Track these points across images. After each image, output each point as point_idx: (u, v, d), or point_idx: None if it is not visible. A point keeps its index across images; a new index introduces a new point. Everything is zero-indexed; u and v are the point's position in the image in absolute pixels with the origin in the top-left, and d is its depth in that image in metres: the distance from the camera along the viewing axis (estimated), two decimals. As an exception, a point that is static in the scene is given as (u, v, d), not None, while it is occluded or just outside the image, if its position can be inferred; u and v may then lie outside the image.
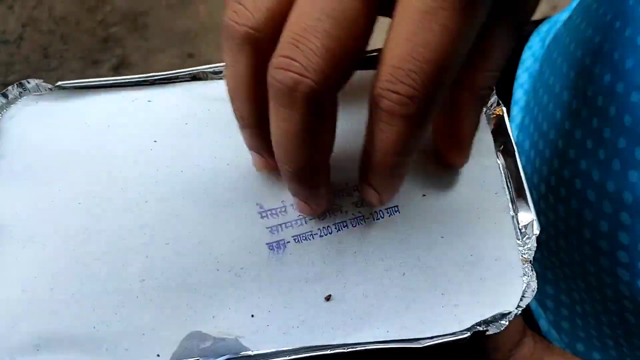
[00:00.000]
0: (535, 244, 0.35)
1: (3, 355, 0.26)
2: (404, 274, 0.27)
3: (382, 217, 0.28)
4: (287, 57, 0.20)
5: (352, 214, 0.28)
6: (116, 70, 1.33)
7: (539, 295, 0.44)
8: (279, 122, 0.21)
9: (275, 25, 0.21)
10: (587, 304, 0.41)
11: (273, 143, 0.22)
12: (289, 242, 0.27)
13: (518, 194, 0.35)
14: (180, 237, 0.27)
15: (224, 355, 0.26)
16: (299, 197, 0.26)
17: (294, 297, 0.27)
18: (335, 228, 0.28)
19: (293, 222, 0.28)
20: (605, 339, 0.41)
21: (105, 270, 0.27)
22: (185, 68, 0.32)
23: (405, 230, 0.28)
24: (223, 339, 0.26)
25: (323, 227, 0.28)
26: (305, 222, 0.28)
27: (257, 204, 0.28)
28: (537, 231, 0.34)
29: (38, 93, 0.31)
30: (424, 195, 0.29)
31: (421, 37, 0.19)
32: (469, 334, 0.32)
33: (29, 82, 0.31)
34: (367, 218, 0.28)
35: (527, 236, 0.35)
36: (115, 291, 0.26)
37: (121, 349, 0.26)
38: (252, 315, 0.26)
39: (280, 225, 0.28)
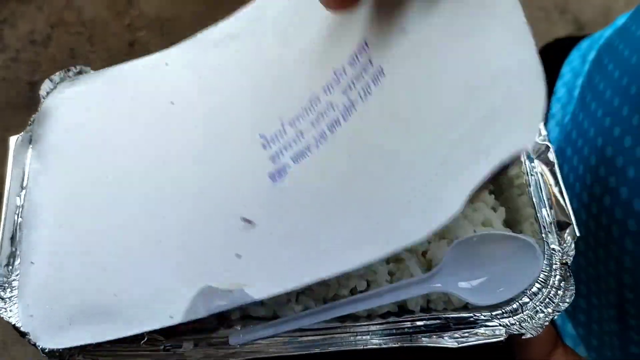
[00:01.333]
0: (574, 249, 0.35)
1: (43, 334, 0.27)
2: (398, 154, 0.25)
3: (370, 93, 0.26)
4: None
5: (343, 105, 0.27)
6: (140, 74, 1.34)
7: (571, 308, 0.44)
8: None
9: None
10: (615, 321, 0.41)
11: None
12: (289, 166, 0.27)
13: (557, 202, 0.36)
14: (192, 195, 0.28)
15: (231, 307, 0.27)
16: None
17: (297, 229, 0.27)
18: (329, 130, 0.27)
19: (291, 142, 0.27)
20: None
21: (129, 239, 0.28)
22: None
23: (394, 98, 0.25)
24: (230, 291, 0.27)
25: (317, 135, 0.27)
26: (302, 137, 0.27)
27: (260, 136, 0.28)
28: (577, 234, 0.35)
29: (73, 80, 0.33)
30: (402, 30, 0.25)
31: None
32: (505, 336, 0.33)
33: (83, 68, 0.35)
34: (356, 102, 0.26)
35: (565, 242, 0.35)
36: (137, 259, 0.28)
37: (139, 314, 0.27)
38: (259, 262, 0.27)
39: (281, 150, 0.28)
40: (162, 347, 0.34)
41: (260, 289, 0.26)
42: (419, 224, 0.23)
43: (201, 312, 0.27)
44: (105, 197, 0.29)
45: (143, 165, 0.29)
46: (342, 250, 0.26)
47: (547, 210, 0.38)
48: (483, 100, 0.22)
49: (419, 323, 0.36)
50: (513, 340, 0.34)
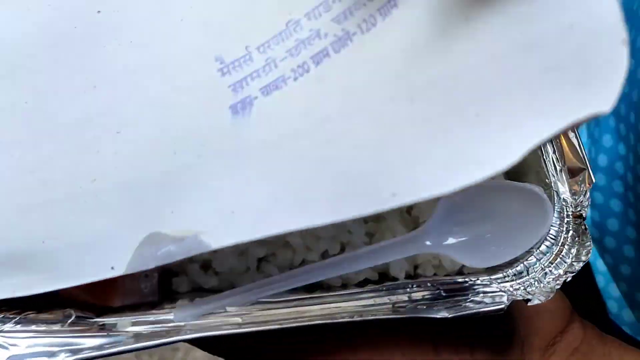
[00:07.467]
0: (589, 198, 0.31)
1: None
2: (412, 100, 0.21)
3: (374, 25, 0.22)
4: None
5: (334, 35, 0.23)
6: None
7: (613, 260, 0.42)
8: None
9: None
10: None
11: None
12: (256, 97, 0.23)
13: (569, 144, 0.32)
14: (132, 122, 0.23)
15: (184, 256, 0.22)
16: None
17: (266, 170, 0.22)
18: (313, 62, 0.23)
19: (260, 71, 0.23)
20: None
21: (55, 175, 0.23)
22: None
23: (412, 30, 0.21)
24: (182, 239, 0.22)
25: (297, 66, 0.23)
26: (275, 66, 0.23)
27: (216, 59, 0.24)
28: (593, 180, 0.31)
29: None
30: None
31: None
32: (506, 304, 0.28)
33: None
34: (354, 34, 0.22)
35: (579, 191, 0.31)
36: (65, 198, 0.23)
37: (72, 264, 0.23)
38: (216, 202, 0.22)
39: (245, 78, 0.23)
40: (94, 326, 0.29)
41: (217, 237, 0.22)
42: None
43: (149, 262, 0.22)
44: (24, 127, 0.24)
45: (69, 87, 0.24)
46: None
47: (556, 155, 0.33)
48: (542, 55, 0.19)
49: (403, 291, 0.30)
50: (516, 309, 0.29)
